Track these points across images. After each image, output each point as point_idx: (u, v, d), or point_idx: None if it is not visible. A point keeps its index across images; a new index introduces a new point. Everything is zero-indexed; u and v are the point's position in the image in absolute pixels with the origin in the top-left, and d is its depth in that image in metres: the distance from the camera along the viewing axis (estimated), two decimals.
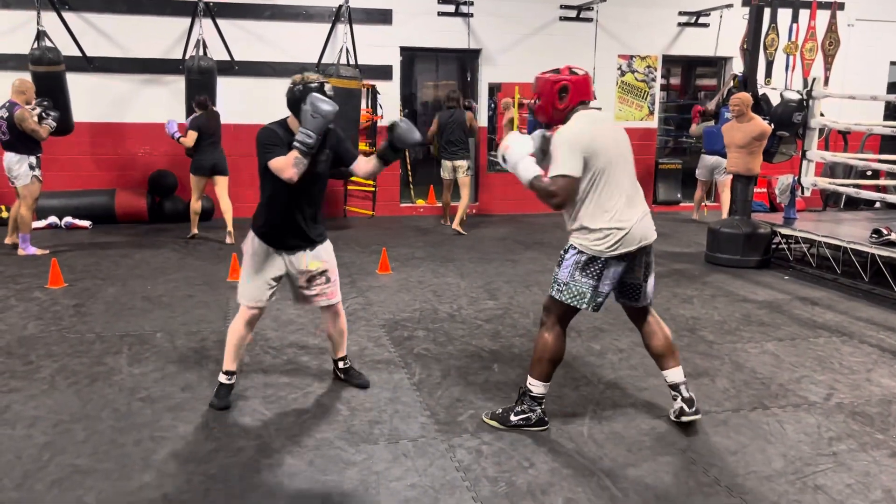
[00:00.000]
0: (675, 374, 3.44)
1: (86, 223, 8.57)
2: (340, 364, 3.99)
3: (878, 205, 8.57)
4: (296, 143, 3.30)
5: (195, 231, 8.00)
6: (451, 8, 9.68)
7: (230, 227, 7.84)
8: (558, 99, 3.32)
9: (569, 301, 3.32)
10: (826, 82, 7.96)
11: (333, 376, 4.06)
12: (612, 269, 3.26)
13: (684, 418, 3.41)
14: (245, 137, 9.27)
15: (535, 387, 3.41)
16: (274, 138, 3.42)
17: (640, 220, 3.25)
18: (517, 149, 3.30)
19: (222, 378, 3.69)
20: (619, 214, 3.20)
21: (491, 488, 2.92)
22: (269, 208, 3.58)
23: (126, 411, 3.58)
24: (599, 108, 3.61)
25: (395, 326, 5.02)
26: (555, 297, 3.37)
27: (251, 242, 3.66)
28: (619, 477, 3.02)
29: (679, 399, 3.43)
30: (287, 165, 3.32)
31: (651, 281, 3.43)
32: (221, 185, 7.88)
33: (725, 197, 9.01)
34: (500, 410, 3.52)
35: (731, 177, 7.70)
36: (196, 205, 7.92)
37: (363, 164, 3.71)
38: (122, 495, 2.83)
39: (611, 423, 3.53)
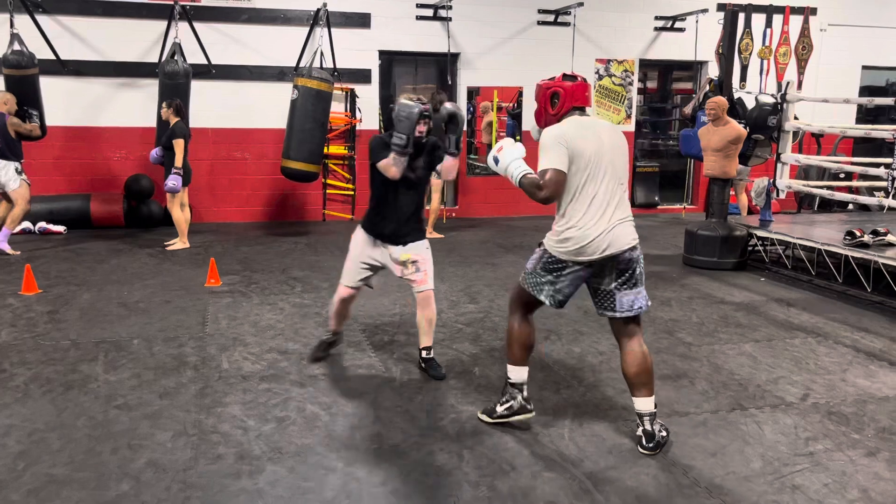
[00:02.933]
0: (641, 404, 3.31)
1: (60, 228, 8.45)
2: (423, 353, 4.23)
3: (851, 206, 8.70)
4: (392, 145, 3.80)
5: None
6: (429, 12, 9.69)
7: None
8: (550, 105, 3.39)
9: (528, 289, 3.40)
10: (799, 86, 8.10)
11: (418, 366, 4.29)
12: (573, 273, 3.28)
13: (640, 449, 3.29)
14: (223, 142, 9.27)
15: (512, 372, 3.51)
16: (382, 144, 3.92)
17: (609, 230, 3.19)
18: (510, 151, 3.31)
19: (324, 335, 4.48)
20: (585, 222, 3.19)
21: (473, 492, 2.92)
22: (374, 206, 4.09)
23: (102, 419, 3.53)
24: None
25: (375, 331, 5.00)
26: (519, 281, 3.47)
27: (357, 233, 4.18)
28: (600, 479, 3.04)
29: (640, 429, 3.32)
30: (388, 165, 3.83)
31: (631, 294, 3.27)
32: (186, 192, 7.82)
33: (743, 199, 9.07)
34: (492, 405, 3.60)
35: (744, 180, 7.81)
36: (188, 213, 7.79)
37: (446, 165, 4.04)
38: None
39: (591, 425, 3.54)
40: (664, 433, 3.33)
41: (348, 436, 3.40)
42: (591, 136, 3.26)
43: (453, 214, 10.10)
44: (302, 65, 9.19)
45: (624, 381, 4.10)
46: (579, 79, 3.41)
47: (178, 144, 7.30)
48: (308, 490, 2.92)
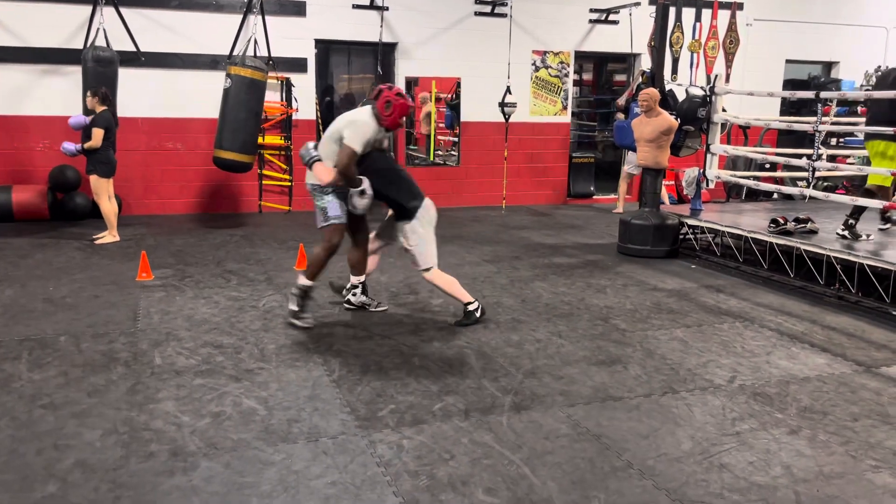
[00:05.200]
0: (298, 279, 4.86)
1: None
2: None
3: (775, 196, 9.05)
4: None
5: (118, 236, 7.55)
6: (366, 1, 9.60)
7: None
8: None
9: None
10: (727, 79, 8.34)
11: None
12: None
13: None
14: (154, 132, 9.01)
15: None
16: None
17: None
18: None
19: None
20: None
21: (412, 482, 2.93)
22: None
23: (27, 419, 3.40)
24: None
25: (314, 322, 4.95)
26: None
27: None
28: (537, 465, 3.09)
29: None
30: None
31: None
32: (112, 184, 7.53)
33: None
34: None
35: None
36: (115, 205, 7.51)
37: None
38: None
39: (529, 412, 3.60)
40: (291, 297, 4.77)
41: (286, 429, 3.36)
42: None
43: None
44: (237, 53, 9.00)
45: (561, 369, 4.19)
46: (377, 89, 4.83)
47: (97, 133, 7.10)
48: (245, 485, 2.88)
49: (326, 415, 3.52)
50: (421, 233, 4.92)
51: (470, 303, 4.97)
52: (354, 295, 5.21)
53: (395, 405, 3.64)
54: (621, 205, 10.03)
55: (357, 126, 4.65)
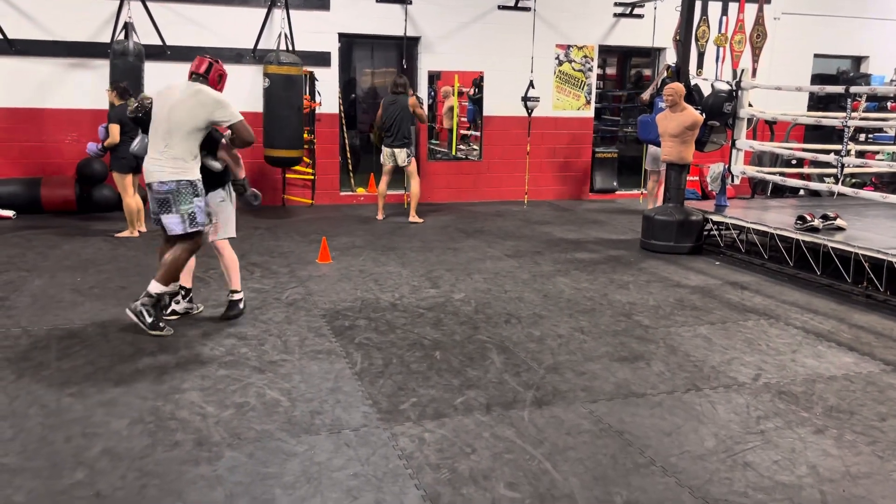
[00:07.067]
0: (151, 284, 4.48)
1: (9, 213, 8.19)
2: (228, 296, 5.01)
3: (802, 192, 8.93)
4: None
5: (143, 228, 7.58)
6: None
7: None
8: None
9: None
10: (754, 74, 8.23)
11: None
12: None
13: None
14: None
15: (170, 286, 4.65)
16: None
17: (147, 164, 4.47)
18: None
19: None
20: (147, 156, 4.52)
21: (434, 475, 2.94)
22: None
23: (56, 408, 3.46)
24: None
25: (336, 316, 4.98)
26: None
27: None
28: (558, 460, 3.08)
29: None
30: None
31: (167, 218, 4.44)
32: (137, 180, 7.48)
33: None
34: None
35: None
36: (139, 201, 7.50)
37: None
38: (53, 494, 2.74)
39: (551, 407, 3.59)
40: (141, 309, 4.40)
41: (308, 421, 3.39)
42: (162, 98, 4.54)
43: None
44: (261, 47, 9.06)
45: (583, 365, 4.18)
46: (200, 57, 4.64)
47: (113, 129, 7.14)
48: (268, 476, 2.91)
49: (349, 407, 3.55)
50: (230, 206, 4.90)
51: (236, 291, 4.89)
52: (178, 303, 4.89)
53: (417, 398, 3.66)
54: (652, 201, 9.87)
55: (225, 102, 4.54)
